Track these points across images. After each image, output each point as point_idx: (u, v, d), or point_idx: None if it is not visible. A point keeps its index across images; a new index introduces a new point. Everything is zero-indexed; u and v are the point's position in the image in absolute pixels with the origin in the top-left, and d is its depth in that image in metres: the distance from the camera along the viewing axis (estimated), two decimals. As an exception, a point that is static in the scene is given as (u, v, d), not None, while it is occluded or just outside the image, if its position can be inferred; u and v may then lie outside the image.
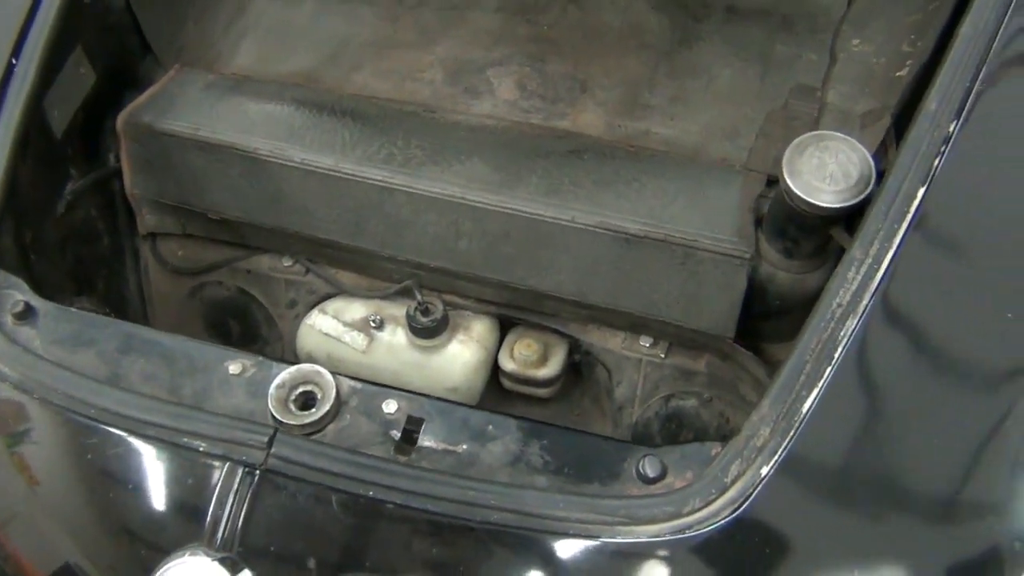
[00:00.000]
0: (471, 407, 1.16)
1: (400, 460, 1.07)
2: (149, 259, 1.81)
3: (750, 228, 1.44)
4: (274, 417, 1.11)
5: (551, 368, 1.67)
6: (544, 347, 1.67)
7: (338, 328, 1.69)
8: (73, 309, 1.26)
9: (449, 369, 1.65)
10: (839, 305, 1.11)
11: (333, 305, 1.72)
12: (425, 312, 1.63)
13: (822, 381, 1.07)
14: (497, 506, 1.00)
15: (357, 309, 1.71)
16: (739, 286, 1.44)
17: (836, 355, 1.08)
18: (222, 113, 1.65)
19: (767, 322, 1.51)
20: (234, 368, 1.17)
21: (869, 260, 1.13)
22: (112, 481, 1.07)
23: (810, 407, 1.06)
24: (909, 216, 1.15)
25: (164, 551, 1.01)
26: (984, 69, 1.23)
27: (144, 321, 1.84)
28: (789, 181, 1.31)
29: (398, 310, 1.67)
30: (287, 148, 1.59)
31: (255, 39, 1.84)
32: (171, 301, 1.83)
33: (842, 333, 1.09)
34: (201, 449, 1.05)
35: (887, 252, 1.13)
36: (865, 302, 1.10)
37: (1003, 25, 1.27)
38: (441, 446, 1.11)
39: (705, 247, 1.44)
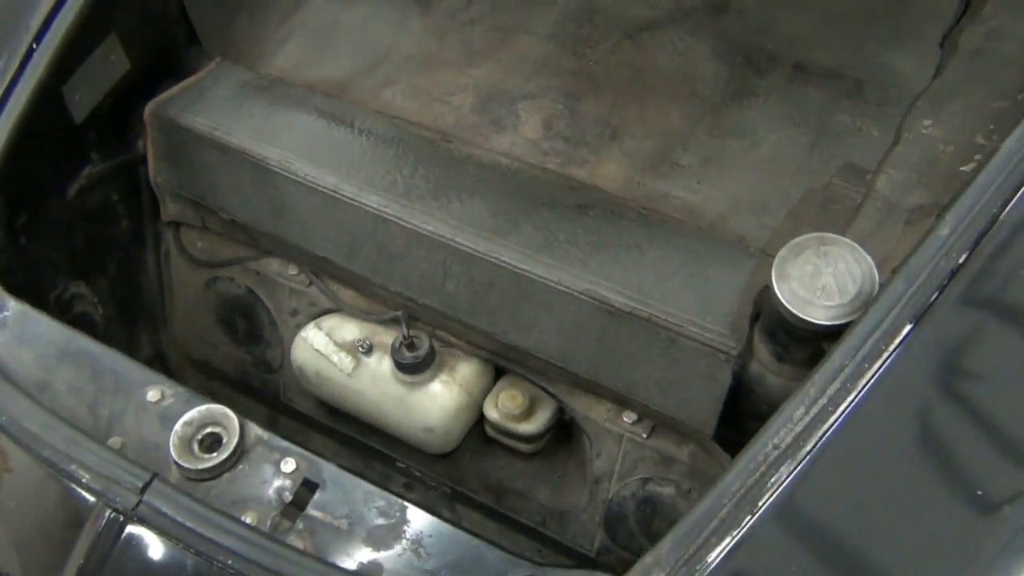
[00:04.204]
0: (371, 483, 1.09)
1: (269, 531, 1.02)
2: (171, 246, 1.83)
3: (745, 322, 1.31)
4: (175, 460, 1.09)
5: (534, 425, 1.58)
6: (531, 402, 1.59)
7: (329, 347, 1.66)
8: (27, 307, 1.26)
9: (427, 409, 1.59)
10: (776, 447, 0.98)
11: (329, 322, 1.69)
12: (411, 347, 1.57)
13: (737, 531, 0.95)
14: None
15: (351, 330, 1.67)
16: (722, 382, 1.32)
17: (760, 503, 0.96)
18: (245, 115, 1.64)
19: (756, 422, 1.37)
20: (152, 395, 1.16)
21: (824, 401, 0.99)
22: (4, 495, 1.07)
23: (717, 559, 0.94)
24: (885, 355, 1.00)
25: (26, 578, 1.01)
26: (1018, 195, 1.06)
27: (160, 305, 1.87)
28: (776, 286, 1.17)
29: (390, 337, 1.62)
30: (294, 161, 1.56)
31: (302, 38, 1.81)
32: (188, 289, 1.85)
33: (773, 480, 0.97)
34: (84, 481, 1.03)
35: (847, 395, 0.99)
36: (808, 448, 0.97)
37: (1056, 144, 1.08)
38: (327, 518, 1.05)
39: (691, 335, 1.32)
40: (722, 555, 0.94)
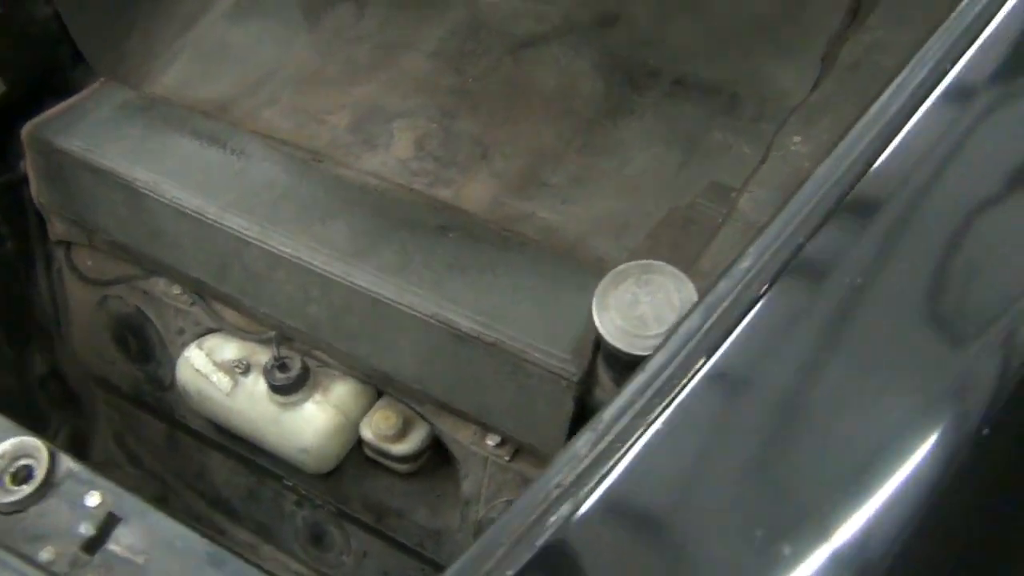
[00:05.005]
0: (173, 518, 1.09)
1: (67, 566, 1.02)
2: (63, 264, 1.83)
3: (588, 347, 1.29)
4: (-21, 490, 1.09)
5: (408, 445, 1.57)
6: (404, 423, 1.58)
7: (208, 366, 1.66)
8: None
9: (302, 430, 1.59)
10: (559, 485, 0.96)
11: (210, 341, 1.69)
12: (282, 368, 1.57)
13: (512, 572, 0.94)
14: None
15: (232, 349, 1.67)
16: (566, 409, 1.30)
17: (538, 543, 0.94)
18: (122, 136, 1.63)
19: (608, 448, 1.36)
20: (-29, 427, 1.16)
21: (610, 437, 0.97)
22: None
23: (491, 599, 0.93)
24: (672, 395, 0.98)
25: None
26: (823, 226, 1.04)
27: (56, 323, 1.87)
28: (596, 316, 1.15)
29: (267, 358, 1.61)
30: (163, 183, 1.55)
31: (191, 57, 1.81)
32: (83, 307, 1.86)
33: (553, 519, 0.95)
34: None
35: (635, 431, 0.97)
36: (590, 486, 0.96)
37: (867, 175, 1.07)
38: (125, 553, 1.05)
39: (534, 360, 1.31)
40: (496, 596, 0.93)
